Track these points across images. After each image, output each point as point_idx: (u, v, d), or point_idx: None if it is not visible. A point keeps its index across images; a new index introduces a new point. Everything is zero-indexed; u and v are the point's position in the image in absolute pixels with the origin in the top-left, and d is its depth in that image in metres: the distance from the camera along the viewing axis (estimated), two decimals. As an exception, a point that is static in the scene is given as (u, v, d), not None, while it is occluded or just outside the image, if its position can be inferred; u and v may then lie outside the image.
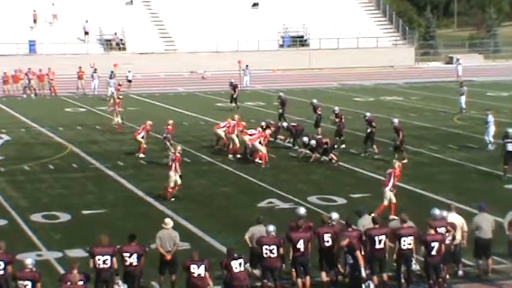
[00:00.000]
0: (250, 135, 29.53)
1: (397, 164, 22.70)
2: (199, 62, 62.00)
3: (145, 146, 30.46)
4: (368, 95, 50.09)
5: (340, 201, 23.86)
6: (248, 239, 17.02)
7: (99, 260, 15.65)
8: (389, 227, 17.38)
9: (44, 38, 61.96)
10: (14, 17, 63.31)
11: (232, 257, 15.67)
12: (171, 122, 30.27)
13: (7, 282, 15.34)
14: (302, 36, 68.19)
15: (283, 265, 16.68)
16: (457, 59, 60.44)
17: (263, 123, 31.66)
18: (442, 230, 16.90)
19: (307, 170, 28.19)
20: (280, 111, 37.51)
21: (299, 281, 16.63)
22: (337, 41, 66.42)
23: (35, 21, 64.22)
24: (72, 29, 63.53)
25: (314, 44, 67.02)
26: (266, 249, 16.27)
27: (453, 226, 17.26)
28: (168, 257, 16.58)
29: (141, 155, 30.29)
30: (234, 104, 43.15)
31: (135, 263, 15.96)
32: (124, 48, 64.38)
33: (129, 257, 15.94)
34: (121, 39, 64.54)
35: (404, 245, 16.59)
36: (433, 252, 16.37)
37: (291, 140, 31.91)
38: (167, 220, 17.07)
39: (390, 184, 21.85)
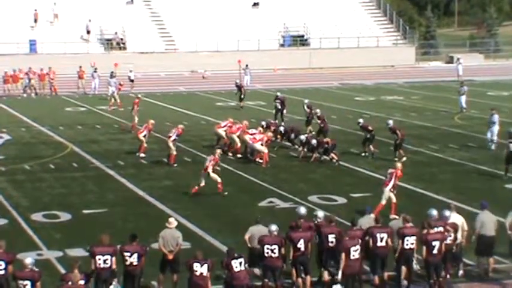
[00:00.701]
0: (251, 134, 29.54)
1: (399, 164, 22.70)
2: (199, 62, 61.97)
3: (145, 145, 30.45)
4: (369, 94, 50.09)
5: (341, 200, 23.87)
6: (248, 239, 17.01)
7: (99, 259, 15.64)
8: (390, 226, 17.36)
9: (45, 37, 61.94)
10: (15, 16, 63.30)
11: (232, 256, 15.66)
12: (181, 126, 30.01)
13: (8, 282, 15.34)
14: (302, 36, 68.17)
15: (284, 265, 16.69)
16: (458, 59, 60.44)
17: (263, 123, 31.68)
18: (439, 229, 16.90)
19: (308, 170, 28.18)
20: (280, 110, 37.56)
21: (299, 280, 16.64)
22: (338, 40, 66.40)
23: (35, 20, 64.21)
24: (72, 28, 63.52)
25: (315, 43, 67.00)
26: (268, 248, 16.27)
27: (455, 227, 17.26)
28: (170, 256, 16.56)
29: (142, 155, 30.27)
30: (241, 104, 43.24)
31: (135, 263, 15.95)
32: (124, 48, 64.38)
33: (130, 256, 15.94)
34: (121, 39, 64.53)
35: (407, 245, 16.60)
36: (434, 252, 16.38)
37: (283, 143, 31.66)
38: (171, 219, 17.03)
39: (390, 184, 21.85)
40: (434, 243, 16.40)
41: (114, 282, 15.87)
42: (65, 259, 18.58)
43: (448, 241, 16.89)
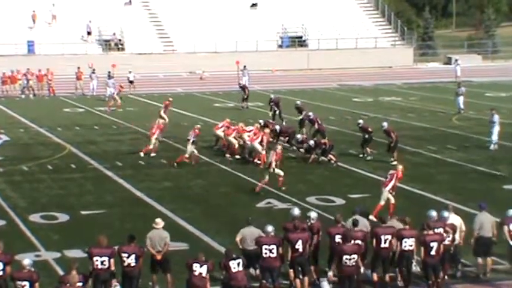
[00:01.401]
0: (248, 131, 29.54)
1: (400, 166, 22.69)
2: (197, 63, 61.98)
3: (156, 145, 30.48)
4: (367, 95, 50.11)
5: (339, 201, 23.87)
6: (239, 240, 17.00)
7: (97, 261, 15.63)
8: (395, 227, 17.32)
9: (43, 38, 61.94)
10: (13, 17, 63.29)
11: (230, 257, 15.66)
12: (198, 126, 30.03)
13: (6, 283, 15.33)
14: (301, 37, 68.19)
15: (282, 265, 16.68)
16: (456, 60, 60.47)
17: (261, 121, 31.62)
18: (439, 230, 16.92)
19: (306, 171, 28.18)
20: (277, 112, 37.62)
21: (297, 281, 16.63)
22: (336, 41, 66.43)
23: (33, 21, 64.20)
24: (71, 29, 63.51)
25: (313, 44, 67.02)
26: (266, 249, 16.27)
27: (453, 227, 17.27)
28: (159, 257, 16.57)
29: (153, 154, 30.30)
30: (245, 104, 43.48)
31: (133, 264, 15.95)
32: (123, 49, 64.38)
33: (127, 257, 15.94)
34: (119, 40, 64.54)
35: (405, 246, 16.60)
36: (432, 253, 16.38)
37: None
38: (158, 220, 17.04)
39: (390, 185, 21.85)
40: (432, 244, 16.40)
41: (114, 283, 15.87)
42: (63, 260, 18.56)
43: (446, 242, 16.89)
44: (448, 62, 69.03)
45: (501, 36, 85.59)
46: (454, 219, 17.55)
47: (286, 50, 67.15)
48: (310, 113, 33.52)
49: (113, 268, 15.77)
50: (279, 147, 25.91)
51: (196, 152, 28.95)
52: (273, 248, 16.26)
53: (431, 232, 16.62)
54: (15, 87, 51.05)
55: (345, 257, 15.94)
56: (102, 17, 64.92)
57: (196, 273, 15.39)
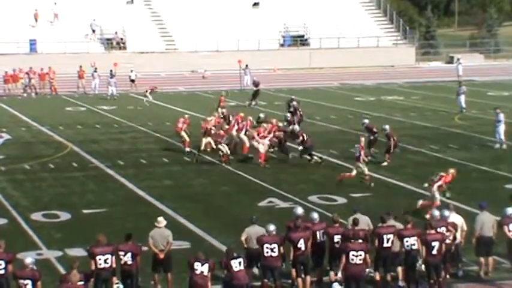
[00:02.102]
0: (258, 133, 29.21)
1: (452, 170, 22.61)
2: (199, 62, 61.96)
3: (188, 139, 30.40)
4: (369, 94, 50.09)
5: (341, 200, 23.85)
6: (244, 240, 16.98)
7: (99, 259, 15.62)
8: (395, 226, 17.31)
9: (45, 37, 61.96)
10: (15, 16, 63.33)
11: (231, 256, 15.66)
12: (241, 114, 30.45)
13: (7, 282, 15.34)
14: (303, 36, 68.17)
15: (283, 265, 16.68)
16: (458, 59, 60.44)
17: (261, 115, 31.35)
18: (442, 229, 16.91)
19: (308, 170, 28.16)
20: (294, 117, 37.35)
21: (299, 280, 16.62)
22: (338, 40, 66.40)
23: (36, 20, 64.23)
24: (73, 28, 63.53)
25: (315, 43, 66.99)
26: (267, 248, 16.26)
27: (454, 226, 17.26)
28: (161, 255, 16.57)
29: (187, 149, 30.22)
30: (253, 101, 43.78)
31: (129, 262, 15.96)
32: (124, 48, 64.37)
33: (124, 255, 15.96)
34: (121, 38, 64.53)
35: (408, 246, 16.58)
36: (434, 252, 16.37)
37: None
38: (160, 219, 17.05)
39: (437, 184, 21.91)
40: (433, 243, 16.39)
41: (116, 281, 15.88)
42: (64, 259, 18.57)
43: (447, 241, 16.88)
44: (450, 61, 68.99)
45: (503, 36, 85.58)
46: (455, 218, 17.55)
47: (288, 49, 67.13)
48: (295, 103, 33.80)
49: (114, 266, 15.79)
50: (362, 139, 26.12)
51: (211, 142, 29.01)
52: (274, 247, 16.25)
53: (433, 231, 16.61)
54: (17, 85, 51.07)
55: (351, 253, 15.85)
56: (104, 16, 64.91)
57: (197, 272, 15.39)
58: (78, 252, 18.77)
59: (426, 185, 22.54)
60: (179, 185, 26.29)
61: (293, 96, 37.46)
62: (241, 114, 31.02)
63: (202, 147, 29.09)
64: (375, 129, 29.88)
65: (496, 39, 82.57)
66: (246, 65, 52.94)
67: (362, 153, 25.29)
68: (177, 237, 17.74)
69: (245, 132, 29.78)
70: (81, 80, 51.82)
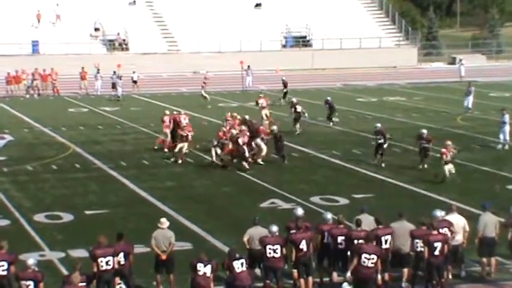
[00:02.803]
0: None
1: (447, 142, 24.03)
2: (201, 62, 61.98)
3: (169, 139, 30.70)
4: (371, 95, 50.08)
5: (343, 201, 23.86)
6: (246, 241, 16.98)
7: (101, 261, 15.61)
8: (392, 227, 17.31)
9: (47, 38, 62.00)
10: (17, 17, 63.40)
11: (234, 257, 15.65)
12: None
13: (10, 283, 15.34)
14: (305, 37, 68.18)
15: (286, 265, 16.69)
16: (460, 60, 60.41)
17: (246, 117, 31.14)
18: (445, 230, 16.90)
19: (309, 171, 28.17)
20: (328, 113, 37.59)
21: (301, 281, 16.62)
22: (340, 41, 66.41)
23: (38, 21, 64.29)
24: (75, 29, 63.58)
25: (317, 44, 67.00)
26: (270, 249, 16.26)
27: (450, 225, 17.24)
28: (164, 256, 16.59)
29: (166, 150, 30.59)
30: (282, 100, 44.50)
31: (122, 262, 15.95)
32: (127, 49, 64.42)
33: (117, 255, 15.94)
34: (124, 40, 64.57)
35: (417, 247, 16.59)
36: (436, 253, 16.36)
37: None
38: (163, 220, 17.07)
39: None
40: (436, 244, 16.38)
41: (118, 281, 15.89)
42: (67, 260, 18.59)
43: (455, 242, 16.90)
44: (453, 62, 68.94)
45: (505, 36, 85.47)
46: (457, 219, 17.54)
47: (290, 50, 67.14)
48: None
49: (116, 267, 15.79)
50: (449, 142, 26.30)
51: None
52: (277, 248, 16.25)
53: (435, 232, 16.60)
54: (20, 87, 51.11)
55: (364, 255, 15.76)
56: (107, 17, 64.97)
57: (200, 273, 15.39)
58: (80, 253, 18.78)
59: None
60: (181, 186, 26.31)
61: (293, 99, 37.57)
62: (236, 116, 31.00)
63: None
64: (387, 135, 28.99)
65: (498, 39, 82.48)
66: (248, 66, 52.95)
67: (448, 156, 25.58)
68: (179, 238, 17.74)
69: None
70: (84, 81, 51.86)
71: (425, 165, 27.94)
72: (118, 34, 64.47)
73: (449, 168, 25.95)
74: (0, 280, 15.34)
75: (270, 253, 16.26)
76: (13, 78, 51.17)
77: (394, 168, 28.13)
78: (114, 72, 49.42)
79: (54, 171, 28.66)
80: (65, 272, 17.37)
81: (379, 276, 16.53)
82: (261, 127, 30.72)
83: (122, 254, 15.99)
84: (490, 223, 17.60)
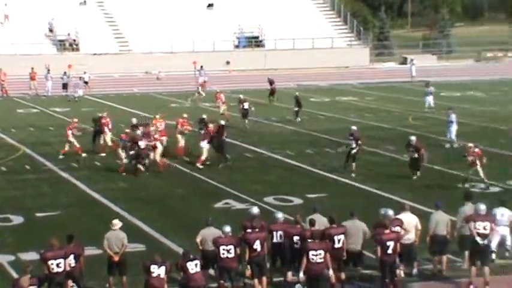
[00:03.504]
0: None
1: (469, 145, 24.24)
2: (153, 63, 61.69)
3: (77, 145, 30.35)
4: (323, 95, 50.28)
5: (297, 201, 23.87)
6: (199, 242, 16.89)
7: (52, 264, 15.40)
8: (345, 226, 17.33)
9: (-4, 38, 61.16)
10: (-35, 17, 62.43)
11: (187, 258, 15.56)
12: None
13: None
14: (257, 37, 68.26)
15: (240, 265, 16.62)
16: (411, 60, 61.00)
17: (204, 116, 31.03)
18: (397, 229, 16.98)
19: (263, 171, 28.16)
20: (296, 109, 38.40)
21: (255, 281, 16.57)
22: (293, 41, 66.60)
23: (-14, 21, 63.41)
24: (24, 29, 62.74)
25: (269, 44, 67.12)
26: (223, 249, 16.18)
27: (402, 224, 17.32)
28: (116, 258, 16.46)
29: (83, 154, 30.16)
30: (272, 98, 44.96)
31: (72, 264, 15.78)
32: (77, 49, 63.80)
33: (67, 257, 15.74)
34: (74, 40, 63.94)
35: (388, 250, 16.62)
36: (389, 251, 16.43)
37: None
38: (115, 221, 16.92)
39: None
40: (388, 243, 16.45)
41: (70, 283, 15.69)
42: (17, 263, 18.30)
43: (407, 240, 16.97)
44: (404, 62, 69.66)
45: (455, 36, 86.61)
46: (409, 218, 17.64)
47: (243, 50, 67.14)
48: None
49: (68, 269, 15.59)
50: (471, 144, 26.02)
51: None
52: (230, 248, 16.19)
53: (387, 231, 16.66)
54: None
55: (311, 253, 15.83)
56: (57, 17, 64.25)
57: (154, 275, 15.27)
58: (31, 256, 18.50)
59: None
60: (134, 187, 26.08)
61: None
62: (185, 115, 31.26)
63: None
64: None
65: (449, 40, 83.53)
66: (201, 66, 52.80)
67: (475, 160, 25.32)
68: (132, 239, 17.56)
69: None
70: (33, 82, 51.22)
71: (418, 174, 26.63)
72: (68, 34, 63.83)
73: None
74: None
75: (223, 253, 16.18)
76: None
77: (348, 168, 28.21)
78: (65, 72, 48.90)
79: (3, 172, 28.22)
80: (15, 275, 17.07)
81: (331, 272, 16.47)
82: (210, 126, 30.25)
83: (72, 256, 15.81)
84: (442, 221, 17.74)
